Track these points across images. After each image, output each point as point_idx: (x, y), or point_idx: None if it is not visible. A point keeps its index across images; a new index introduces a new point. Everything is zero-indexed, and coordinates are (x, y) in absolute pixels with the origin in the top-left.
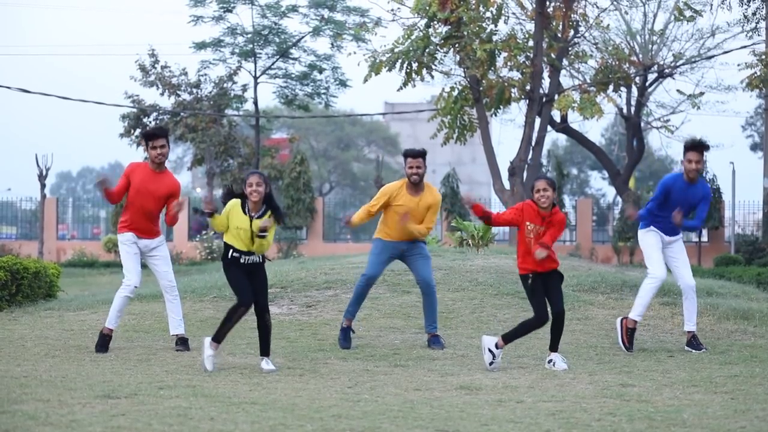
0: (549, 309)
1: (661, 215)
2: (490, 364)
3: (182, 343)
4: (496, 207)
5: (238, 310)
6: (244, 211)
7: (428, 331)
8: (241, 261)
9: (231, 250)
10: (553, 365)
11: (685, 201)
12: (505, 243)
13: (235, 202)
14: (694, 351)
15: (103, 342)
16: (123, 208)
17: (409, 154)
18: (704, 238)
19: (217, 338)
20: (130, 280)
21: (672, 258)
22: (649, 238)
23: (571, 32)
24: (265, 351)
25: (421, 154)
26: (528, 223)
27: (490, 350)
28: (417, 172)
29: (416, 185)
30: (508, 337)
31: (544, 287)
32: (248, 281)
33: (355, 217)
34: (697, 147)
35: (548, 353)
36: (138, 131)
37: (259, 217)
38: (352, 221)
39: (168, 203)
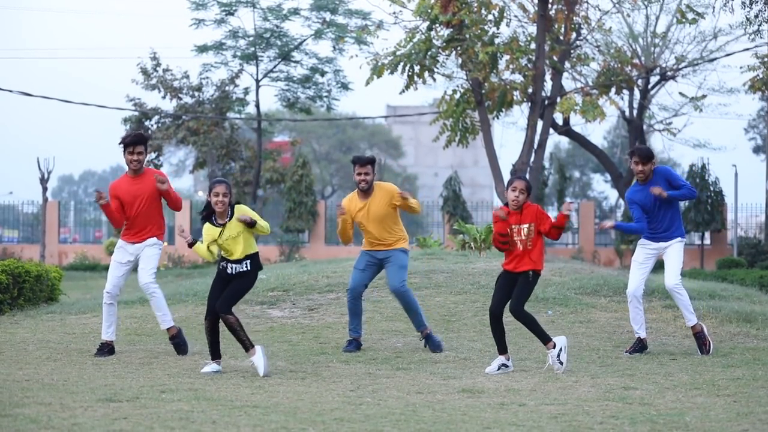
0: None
1: (650, 225)
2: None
3: (175, 337)
4: None
5: (204, 323)
6: (213, 224)
7: (419, 330)
8: (228, 271)
9: (220, 261)
10: (557, 366)
11: (652, 199)
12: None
13: (206, 227)
14: (705, 353)
15: (101, 348)
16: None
17: (356, 161)
18: (707, 241)
19: (211, 356)
20: (106, 286)
21: (665, 257)
22: (635, 253)
23: (573, 35)
24: (246, 346)
25: (369, 161)
26: (512, 225)
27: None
28: (365, 179)
29: (365, 192)
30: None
31: (512, 284)
32: (221, 290)
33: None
34: (637, 151)
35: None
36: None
37: (230, 220)
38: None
39: (162, 195)
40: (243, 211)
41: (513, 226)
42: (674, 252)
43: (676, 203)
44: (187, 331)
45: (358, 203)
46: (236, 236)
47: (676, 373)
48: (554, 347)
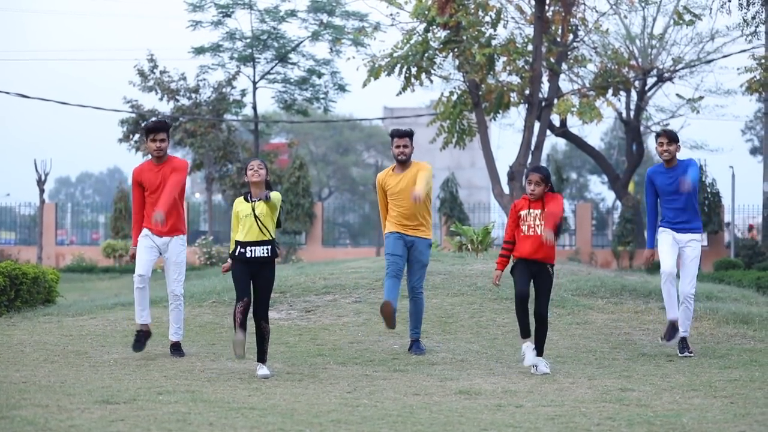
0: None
1: (664, 208)
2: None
3: (176, 349)
4: (496, 211)
5: (236, 305)
6: (247, 200)
7: (411, 336)
8: (248, 255)
9: (237, 247)
10: (536, 369)
11: (672, 184)
12: None
13: (237, 200)
14: (680, 354)
15: (138, 338)
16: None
17: (395, 134)
18: (704, 243)
19: (238, 328)
20: (136, 270)
21: (682, 260)
22: (660, 239)
23: (570, 36)
24: (261, 358)
25: (408, 134)
26: (522, 212)
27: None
28: (403, 151)
29: (403, 164)
30: (525, 334)
31: (534, 282)
32: (249, 277)
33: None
34: (664, 133)
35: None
36: (137, 136)
37: (265, 200)
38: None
39: (171, 176)
40: (276, 195)
41: (534, 212)
42: (692, 255)
43: (695, 194)
44: (184, 332)
45: (394, 176)
46: (266, 215)
47: (673, 375)
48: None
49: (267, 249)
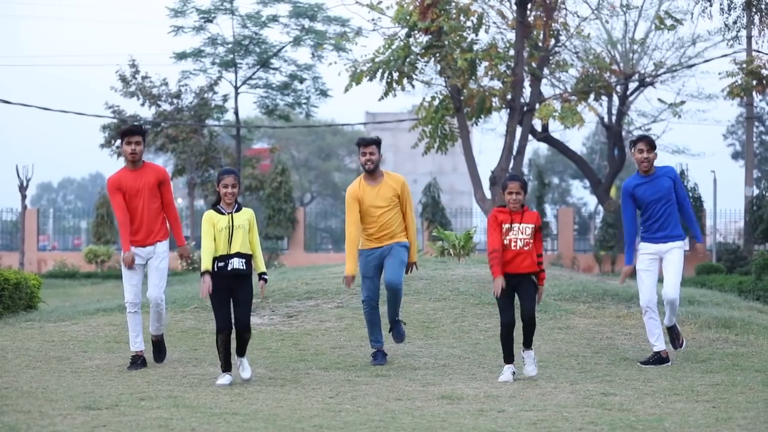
0: (519, 312)
1: (645, 218)
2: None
3: (159, 348)
4: (478, 216)
5: (218, 337)
6: (221, 212)
7: (389, 318)
8: (228, 269)
9: (216, 262)
10: (523, 362)
11: (653, 194)
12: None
13: (209, 214)
14: (679, 348)
15: (133, 361)
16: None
17: (361, 143)
18: (686, 247)
19: (224, 368)
20: (126, 295)
21: (665, 265)
22: (639, 260)
23: (552, 41)
24: (240, 352)
25: (374, 142)
26: (504, 225)
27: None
28: (370, 158)
29: (372, 173)
30: (508, 360)
31: (514, 290)
32: (229, 300)
33: (350, 266)
34: (643, 139)
35: (522, 349)
36: (119, 142)
37: (237, 212)
38: (351, 276)
39: (162, 192)
40: (251, 213)
41: (515, 225)
42: (675, 259)
43: (676, 202)
44: (167, 338)
45: (368, 188)
46: (244, 225)
47: (655, 379)
48: (531, 349)
49: (243, 262)
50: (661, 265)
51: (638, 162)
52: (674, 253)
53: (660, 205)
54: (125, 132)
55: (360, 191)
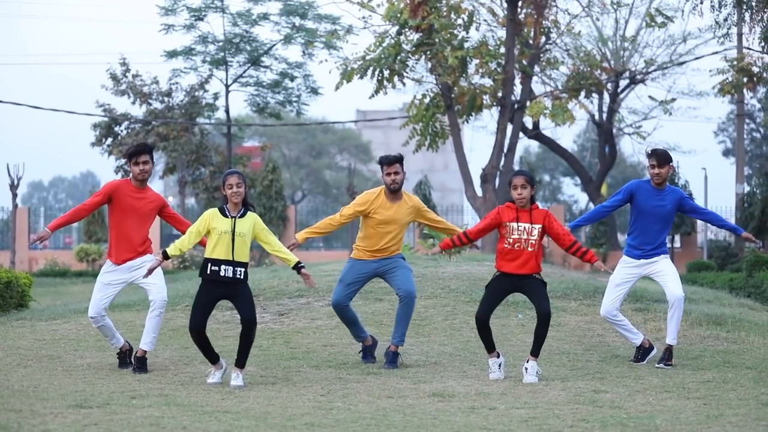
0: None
1: (638, 229)
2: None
3: (141, 364)
4: (469, 213)
5: (191, 335)
6: (225, 215)
7: (393, 342)
8: (221, 275)
9: (209, 264)
10: (525, 371)
11: (656, 208)
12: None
13: (211, 213)
14: (664, 366)
15: (121, 359)
16: (109, 231)
17: (384, 161)
18: (677, 244)
19: (211, 361)
20: (89, 312)
21: (657, 275)
22: (616, 271)
23: (543, 39)
24: (240, 363)
25: (398, 160)
26: (509, 224)
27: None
28: (395, 179)
29: (394, 193)
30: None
31: (510, 292)
32: (211, 306)
33: (302, 234)
34: (654, 154)
35: (528, 357)
36: (110, 140)
37: (241, 217)
38: (298, 241)
39: (168, 213)
40: (256, 219)
41: (522, 225)
42: (668, 266)
43: (671, 222)
44: (158, 336)
45: (386, 204)
46: (246, 234)
47: (647, 376)
48: (537, 360)
49: (241, 271)
50: (633, 286)
51: (651, 176)
52: (664, 262)
53: (658, 221)
54: (133, 152)
55: (377, 204)
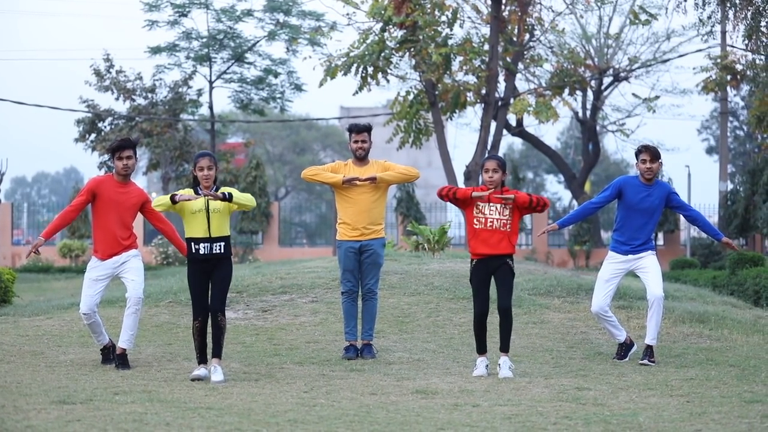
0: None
1: (625, 224)
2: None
3: (122, 360)
4: (452, 210)
5: (193, 324)
6: (197, 192)
7: (363, 338)
8: (202, 252)
9: (191, 244)
10: (499, 367)
11: (643, 202)
12: (461, 247)
13: (188, 192)
14: (647, 363)
15: (104, 355)
16: (93, 227)
17: (353, 129)
18: (660, 242)
19: (199, 360)
20: (80, 308)
21: (641, 270)
22: (603, 267)
23: (527, 36)
24: (216, 353)
25: (367, 129)
26: (479, 204)
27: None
28: (362, 146)
29: (362, 160)
30: (481, 350)
31: (492, 278)
32: (207, 286)
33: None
34: (647, 150)
35: (499, 355)
36: (93, 136)
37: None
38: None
39: (145, 210)
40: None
41: (492, 205)
42: (652, 263)
43: (658, 217)
44: (141, 332)
45: (354, 168)
46: (220, 210)
47: (630, 374)
48: (508, 355)
49: (221, 246)
50: (621, 281)
51: (642, 171)
52: (650, 258)
53: (644, 216)
54: (116, 147)
55: (346, 170)
